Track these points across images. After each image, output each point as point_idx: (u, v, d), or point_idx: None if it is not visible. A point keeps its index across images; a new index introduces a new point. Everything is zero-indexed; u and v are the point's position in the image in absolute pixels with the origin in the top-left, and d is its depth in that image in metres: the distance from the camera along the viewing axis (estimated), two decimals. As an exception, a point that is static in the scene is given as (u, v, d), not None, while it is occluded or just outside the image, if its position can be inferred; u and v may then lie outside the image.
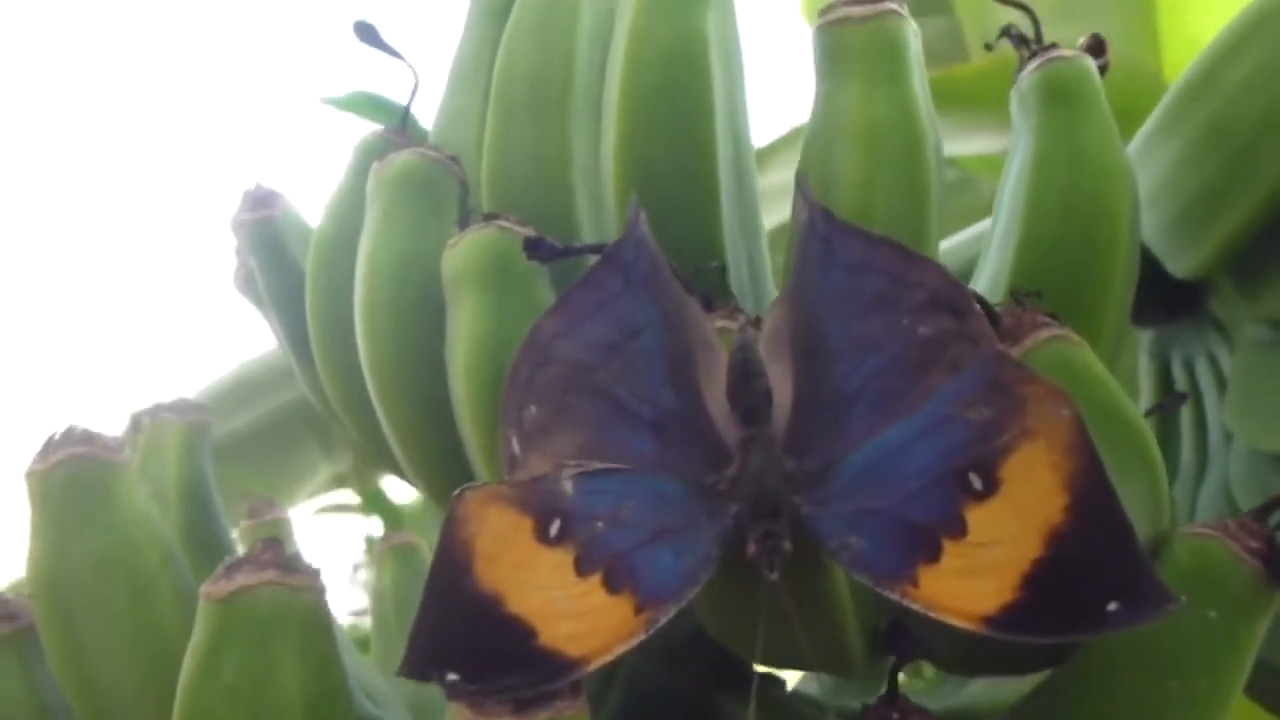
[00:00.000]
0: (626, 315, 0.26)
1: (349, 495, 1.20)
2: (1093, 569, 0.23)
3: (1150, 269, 0.40)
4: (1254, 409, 0.40)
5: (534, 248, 0.27)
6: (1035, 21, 0.32)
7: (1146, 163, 0.38)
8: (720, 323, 0.26)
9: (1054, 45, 0.32)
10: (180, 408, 0.40)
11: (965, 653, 0.28)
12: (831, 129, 0.28)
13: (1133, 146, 0.39)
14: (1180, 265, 0.40)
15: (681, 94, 0.28)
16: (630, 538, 0.23)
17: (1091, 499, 0.23)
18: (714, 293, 0.27)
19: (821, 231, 0.26)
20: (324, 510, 1.16)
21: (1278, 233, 0.37)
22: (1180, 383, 0.47)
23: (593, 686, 0.29)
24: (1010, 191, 0.31)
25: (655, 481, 0.24)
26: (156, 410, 0.40)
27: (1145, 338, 0.48)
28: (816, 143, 0.28)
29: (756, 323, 0.27)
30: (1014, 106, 0.32)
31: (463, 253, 0.28)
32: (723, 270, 0.29)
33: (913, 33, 0.28)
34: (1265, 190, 0.35)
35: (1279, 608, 0.28)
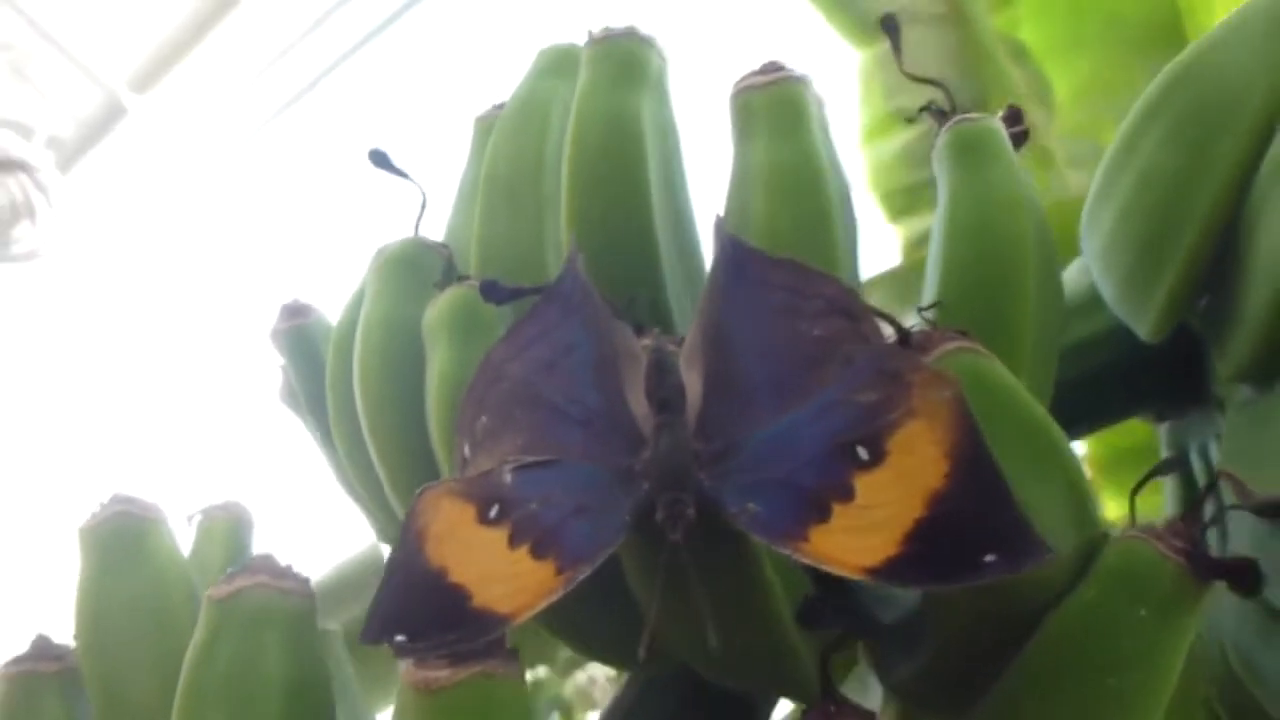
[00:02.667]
0: (562, 337, 0.30)
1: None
2: (971, 525, 0.25)
3: (1143, 354, 0.43)
4: (1238, 464, 0.41)
5: (489, 291, 0.31)
6: (949, 95, 0.36)
7: (1093, 230, 0.41)
8: (646, 341, 0.30)
9: (966, 115, 0.36)
10: (227, 506, 0.46)
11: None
12: (743, 176, 0.32)
13: (1084, 214, 0.42)
14: (1144, 327, 0.42)
15: (618, 156, 0.33)
16: (556, 514, 0.27)
17: (971, 465, 0.26)
18: (648, 321, 0.31)
19: (730, 255, 0.30)
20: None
21: (1221, 279, 0.39)
22: (1197, 469, 0.48)
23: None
24: (933, 233, 0.35)
25: (580, 468, 0.28)
26: (209, 510, 0.45)
27: (1163, 431, 0.49)
28: (733, 190, 0.32)
29: (680, 342, 0.30)
30: (935, 167, 0.36)
31: (437, 308, 0.33)
32: (653, 300, 0.32)
33: (811, 94, 0.33)
34: (1195, 232, 0.37)
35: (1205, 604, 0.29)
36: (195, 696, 0.28)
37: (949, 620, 0.32)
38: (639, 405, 0.28)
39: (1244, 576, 0.29)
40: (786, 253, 0.30)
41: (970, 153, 0.34)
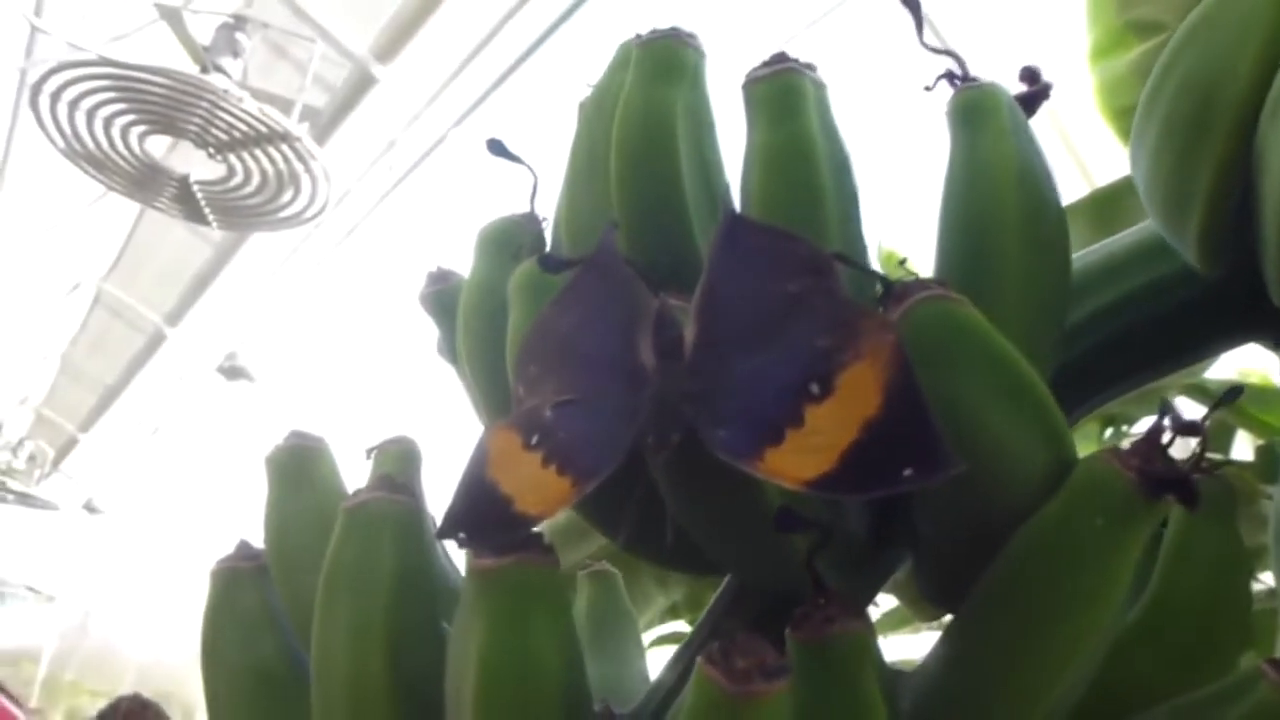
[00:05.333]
0: (596, 299, 0.37)
1: (682, 625, 1.30)
2: (895, 446, 0.31)
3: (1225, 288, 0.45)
4: None
5: (545, 262, 0.39)
6: (961, 63, 0.40)
7: (1135, 174, 0.44)
8: (675, 303, 0.36)
9: (973, 80, 0.40)
10: (398, 440, 0.55)
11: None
12: (747, 160, 0.38)
13: (1129, 160, 0.45)
14: (1191, 259, 0.44)
15: (653, 142, 0.39)
16: (577, 441, 0.34)
17: (900, 397, 0.31)
18: (678, 284, 0.38)
19: (728, 226, 0.36)
20: (659, 642, 1.26)
21: (1249, 214, 0.41)
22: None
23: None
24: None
25: (598, 405, 0.35)
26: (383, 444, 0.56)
27: None
28: (742, 175, 0.38)
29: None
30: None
31: (514, 277, 0.41)
32: (682, 265, 0.39)
33: (809, 80, 0.38)
34: (1211, 172, 0.39)
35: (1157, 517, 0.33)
36: (329, 582, 0.38)
37: (945, 530, 0.37)
38: (647, 353, 0.35)
39: (1186, 491, 0.33)
40: (776, 221, 0.36)
41: (967, 118, 0.39)
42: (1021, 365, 0.35)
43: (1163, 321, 0.46)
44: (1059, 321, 0.40)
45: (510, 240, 0.44)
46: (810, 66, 0.38)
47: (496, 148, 0.47)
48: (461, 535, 0.34)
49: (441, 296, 0.53)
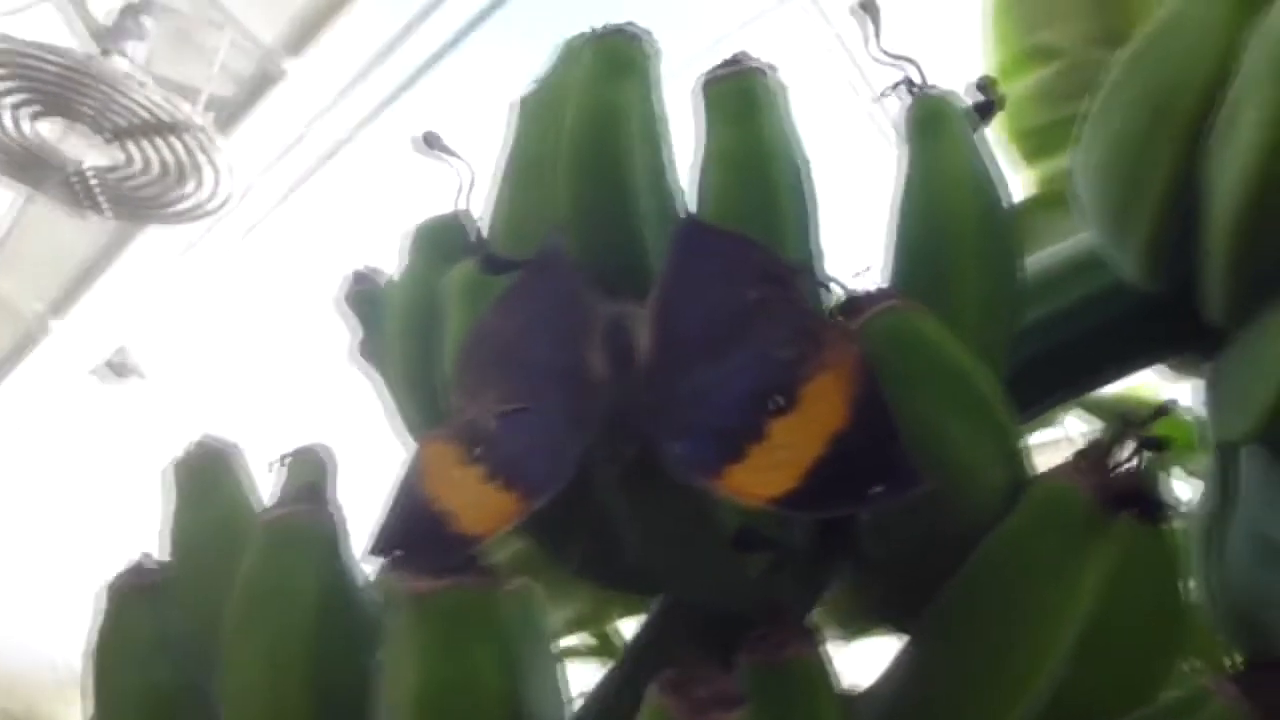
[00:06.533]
0: (540, 304, 0.35)
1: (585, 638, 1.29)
2: (862, 462, 0.29)
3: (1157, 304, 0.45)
4: (1219, 407, 0.44)
5: (486, 264, 0.37)
6: (920, 70, 0.39)
7: (1079, 187, 0.44)
8: (609, 307, 0.35)
9: (928, 89, 0.39)
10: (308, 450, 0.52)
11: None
12: (703, 160, 0.37)
13: (1071, 173, 0.44)
14: (1129, 274, 0.44)
15: (603, 141, 0.37)
16: (523, 454, 0.32)
17: (866, 411, 0.30)
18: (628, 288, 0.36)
19: (685, 231, 0.34)
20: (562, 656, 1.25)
21: (1193, 229, 0.41)
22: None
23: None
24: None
25: (545, 416, 0.33)
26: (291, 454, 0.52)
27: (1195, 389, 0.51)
28: (696, 174, 0.37)
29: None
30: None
31: (451, 278, 0.38)
32: (634, 266, 0.37)
33: (769, 83, 0.37)
34: (1159, 187, 0.39)
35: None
36: (244, 604, 0.35)
37: (897, 546, 0.36)
38: (598, 361, 0.33)
39: (1145, 506, 0.33)
40: (734, 226, 0.34)
41: (922, 128, 0.38)
42: (982, 380, 0.34)
43: (1096, 334, 0.46)
44: (1011, 333, 0.39)
45: (447, 239, 0.42)
46: (771, 68, 0.37)
47: (431, 141, 0.45)
48: (396, 554, 0.32)
49: (366, 297, 0.50)
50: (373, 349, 0.51)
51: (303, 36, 2.92)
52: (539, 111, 0.43)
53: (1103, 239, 0.43)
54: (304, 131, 3.23)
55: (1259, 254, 0.37)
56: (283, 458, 0.51)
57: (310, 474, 0.49)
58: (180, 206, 2.76)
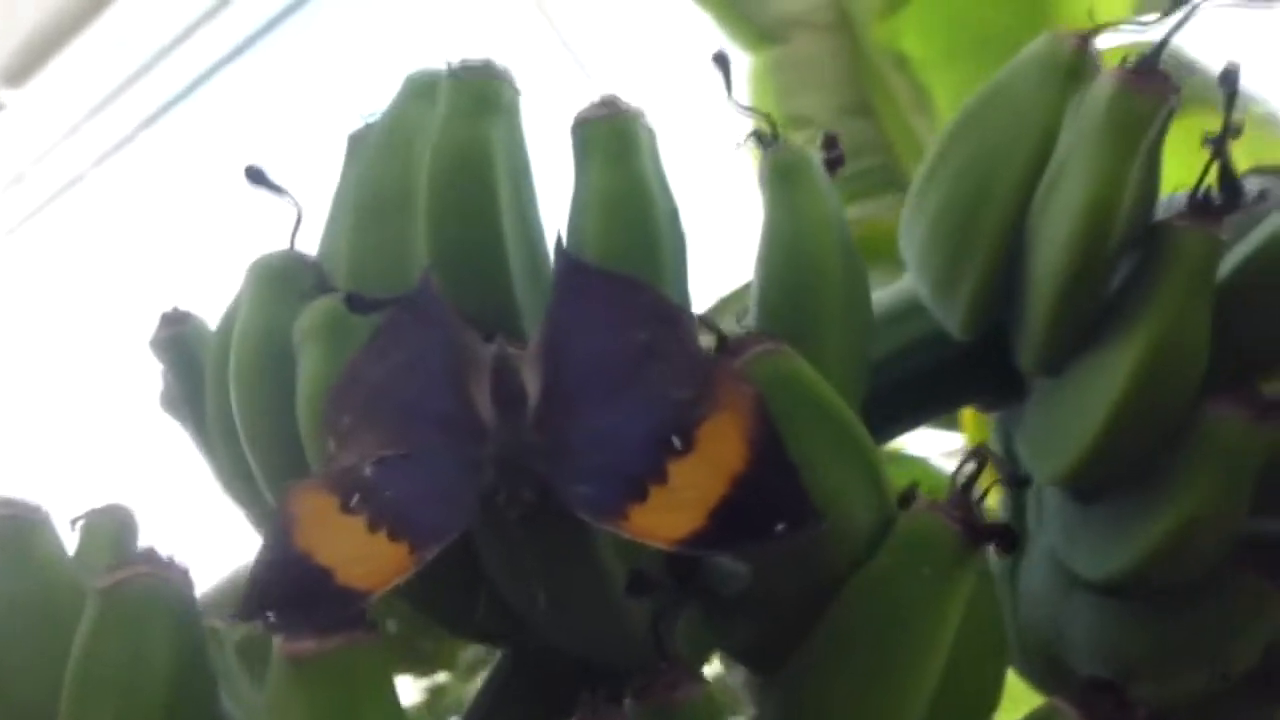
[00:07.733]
0: (417, 344, 0.33)
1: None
2: (764, 501, 0.30)
3: (967, 353, 0.48)
4: (1028, 449, 0.47)
5: (353, 303, 0.35)
6: (773, 125, 0.41)
7: (908, 243, 0.46)
8: (492, 348, 0.33)
9: (782, 143, 0.40)
10: (111, 509, 0.48)
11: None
12: (580, 200, 0.37)
13: (900, 228, 0.47)
14: (955, 328, 0.47)
15: (469, 181, 0.37)
16: (410, 502, 0.30)
17: (765, 450, 0.30)
18: (498, 328, 0.35)
19: (565, 268, 0.34)
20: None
21: (1015, 285, 0.44)
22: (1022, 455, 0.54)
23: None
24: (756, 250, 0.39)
25: (432, 461, 0.31)
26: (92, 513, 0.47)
27: (994, 424, 0.55)
28: (572, 212, 0.37)
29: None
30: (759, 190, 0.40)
31: (306, 317, 0.36)
32: (503, 307, 0.36)
33: (643, 126, 0.37)
34: (986, 249, 0.43)
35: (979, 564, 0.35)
36: (81, 684, 0.31)
37: (771, 589, 0.36)
38: (485, 404, 0.32)
39: (1006, 539, 0.35)
40: (619, 268, 0.34)
41: (784, 177, 0.39)
42: (852, 419, 0.35)
43: (918, 376, 0.49)
44: (868, 370, 0.41)
45: (293, 278, 0.39)
46: (641, 112, 0.37)
47: (255, 175, 0.43)
48: (269, 615, 0.29)
49: (179, 341, 0.46)
50: (184, 396, 0.47)
51: (25, 67, 2.71)
52: (382, 150, 0.42)
53: (932, 293, 0.46)
54: (25, 170, 2.99)
55: (1077, 308, 0.41)
56: (81, 516, 0.46)
57: (106, 536, 0.45)
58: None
